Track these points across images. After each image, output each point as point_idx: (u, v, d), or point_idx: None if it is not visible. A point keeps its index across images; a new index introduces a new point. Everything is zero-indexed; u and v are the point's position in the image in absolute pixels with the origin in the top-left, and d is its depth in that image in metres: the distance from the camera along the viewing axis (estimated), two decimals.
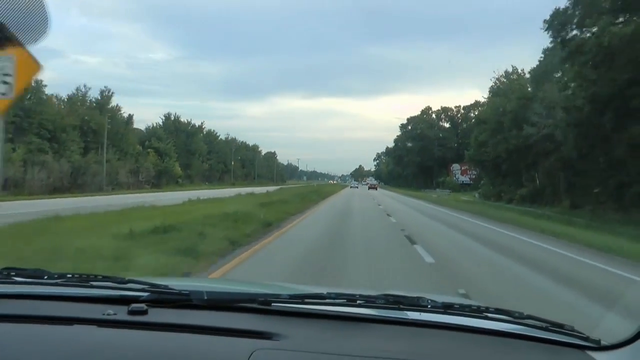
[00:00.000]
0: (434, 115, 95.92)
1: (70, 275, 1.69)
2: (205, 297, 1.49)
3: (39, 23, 1.35)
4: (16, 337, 1.32)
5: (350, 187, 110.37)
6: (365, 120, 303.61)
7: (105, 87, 55.19)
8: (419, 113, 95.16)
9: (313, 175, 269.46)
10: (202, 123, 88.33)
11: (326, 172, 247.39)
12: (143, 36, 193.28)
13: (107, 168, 53.09)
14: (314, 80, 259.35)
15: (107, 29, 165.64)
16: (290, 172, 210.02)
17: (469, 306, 1.59)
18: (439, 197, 55.50)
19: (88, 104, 57.03)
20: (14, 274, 1.66)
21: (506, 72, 39.05)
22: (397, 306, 1.53)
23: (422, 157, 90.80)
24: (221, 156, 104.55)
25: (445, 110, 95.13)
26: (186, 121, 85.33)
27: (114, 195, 39.88)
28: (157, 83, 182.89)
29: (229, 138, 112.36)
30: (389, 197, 56.09)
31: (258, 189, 47.48)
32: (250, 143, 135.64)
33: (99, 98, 57.69)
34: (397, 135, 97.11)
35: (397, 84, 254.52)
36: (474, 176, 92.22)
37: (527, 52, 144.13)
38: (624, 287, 8.61)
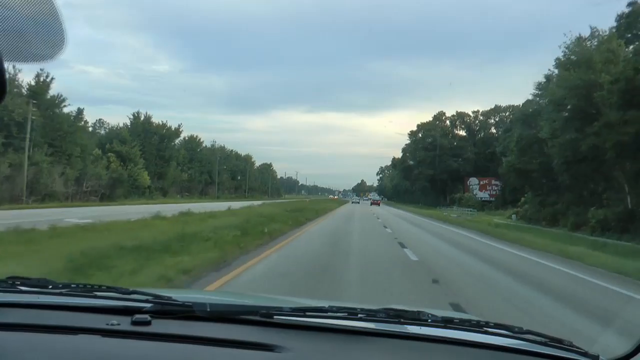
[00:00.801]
0: (447, 122, 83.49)
1: (74, 285, 1.72)
2: (208, 309, 1.51)
3: (56, 39, 1.34)
4: (21, 346, 1.33)
5: (352, 202, 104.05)
6: (368, 135, 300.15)
7: (41, 69, 42.46)
8: (431, 119, 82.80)
9: (314, 189, 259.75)
10: (179, 125, 75.72)
11: (327, 187, 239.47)
12: (148, 48, 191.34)
13: (33, 173, 40.78)
14: (317, 95, 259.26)
15: (112, 40, 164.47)
16: (290, 186, 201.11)
17: (469, 321, 1.61)
18: (462, 219, 42.81)
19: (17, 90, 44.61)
20: (19, 283, 1.68)
21: (580, 37, 26.38)
22: (397, 320, 1.55)
23: (435, 169, 78.18)
24: (206, 166, 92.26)
25: (460, 116, 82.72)
26: (160, 122, 73.07)
27: (18, 211, 27.66)
28: (160, 95, 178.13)
29: (215, 145, 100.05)
30: (397, 217, 43.76)
31: (240, 204, 39.76)
32: (253, 157, 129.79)
33: (33, 84, 45.33)
34: (406, 144, 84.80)
35: (399, 99, 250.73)
36: (495, 192, 79.55)
37: (531, 69, 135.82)
38: None
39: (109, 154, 60.69)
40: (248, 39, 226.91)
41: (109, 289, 1.73)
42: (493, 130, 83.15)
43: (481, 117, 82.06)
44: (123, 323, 1.42)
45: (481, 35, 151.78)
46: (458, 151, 79.17)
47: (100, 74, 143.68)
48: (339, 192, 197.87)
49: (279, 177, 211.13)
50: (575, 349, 1.51)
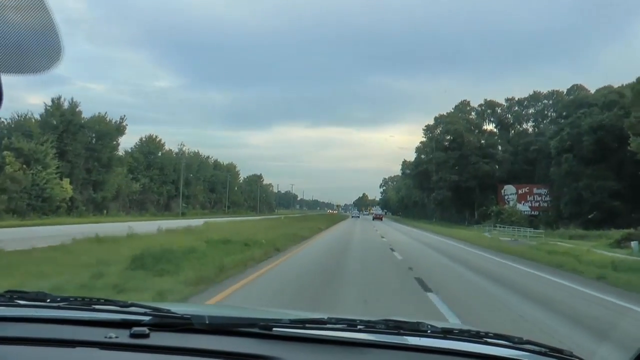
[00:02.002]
0: (473, 114, 65.05)
1: (72, 299, 1.72)
2: (207, 321, 1.50)
3: (52, 50, 1.35)
4: (19, 359, 1.34)
5: (352, 216, 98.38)
6: (369, 149, 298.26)
7: None
8: (452, 109, 64.19)
9: (314, 204, 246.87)
10: (122, 119, 57.25)
11: (328, 201, 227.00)
12: (148, 63, 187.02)
13: None
14: (318, 109, 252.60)
15: (113, 56, 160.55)
16: (288, 200, 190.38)
17: (468, 331, 1.60)
18: (546, 250, 24.33)
19: None
20: (16, 297, 1.68)
21: None
22: (397, 331, 1.54)
23: (461, 174, 59.64)
24: (169, 174, 73.95)
25: (490, 105, 64.29)
26: (97, 114, 54.73)
27: None
28: (161, 111, 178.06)
29: (183, 149, 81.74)
30: (429, 248, 25.09)
31: (196, 223, 29.49)
32: (257, 172, 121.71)
33: None
34: (421, 142, 65.93)
35: (400, 113, 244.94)
36: (540, 204, 60.74)
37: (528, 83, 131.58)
38: None
39: (5, 152, 42.56)
40: (248, 54, 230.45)
41: (107, 302, 1.73)
42: (529, 126, 64.77)
43: (517, 108, 63.60)
44: (121, 336, 1.41)
45: (482, 50, 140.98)
46: (488, 150, 60.58)
47: (102, 90, 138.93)
48: (338, 206, 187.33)
49: (275, 191, 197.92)
50: (576, 358, 1.52)
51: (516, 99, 62.83)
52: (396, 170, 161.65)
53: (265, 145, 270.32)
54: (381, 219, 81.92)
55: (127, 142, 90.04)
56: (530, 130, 64.91)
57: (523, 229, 43.66)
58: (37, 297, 1.71)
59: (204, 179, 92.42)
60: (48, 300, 1.69)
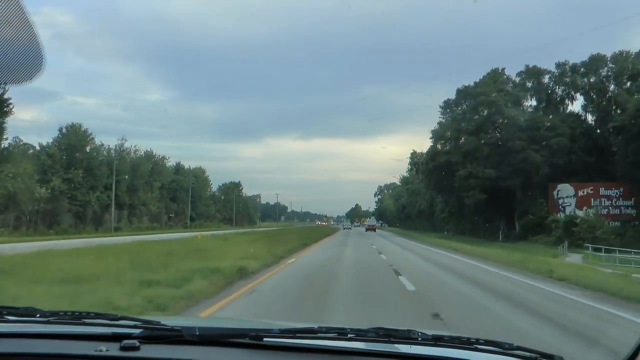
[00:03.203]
0: (510, 86, 47.03)
1: (62, 313, 1.71)
2: (197, 333, 1.49)
3: (34, 61, 1.37)
4: None
5: (344, 228, 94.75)
6: (362, 161, 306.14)
7: None
8: (481, 78, 46.05)
9: (305, 215, 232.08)
10: (3, 89, 38.56)
11: (320, 213, 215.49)
12: (138, 77, 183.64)
13: None
14: (308, 121, 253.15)
15: (103, 70, 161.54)
16: (279, 212, 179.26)
17: (459, 338, 1.59)
18: None
19: None
20: (5, 312, 1.67)
21: None
22: (387, 339, 1.53)
23: (499, 167, 41.47)
24: (100, 179, 55.37)
25: (533, 74, 46.38)
26: None
27: None
28: (152, 125, 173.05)
29: (124, 145, 63.06)
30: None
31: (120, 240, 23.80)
32: (247, 186, 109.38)
33: None
34: (438, 124, 47.26)
35: (393, 124, 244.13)
36: (624, 209, 42.93)
37: None
38: None
39: None
40: (239, 66, 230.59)
41: (97, 315, 1.72)
42: (582, 100, 47.00)
43: (571, 74, 45.72)
44: (112, 349, 1.40)
45: (475, 60, 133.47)
46: (539, 134, 42.62)
47: (92, 104, 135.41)
48: (326, 217, 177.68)
49: (263, 202, 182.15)
50: None
51: (570, 63, 44.93)
52: (390, 181, 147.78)
53: (257, 158, 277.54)
54: (374, 230, 76.80)
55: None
56: (582, 108, 47.14)
57: (635, 251, 25.54)
58: (27, 313, 1.69)
59: (161, 185, 73.98)
60: (38, 316, 1.68)
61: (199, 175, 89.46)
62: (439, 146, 48.49)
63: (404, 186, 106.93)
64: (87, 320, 1.66)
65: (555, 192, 44.80)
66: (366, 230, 76.13)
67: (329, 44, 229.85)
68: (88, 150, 55.54)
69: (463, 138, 43.14)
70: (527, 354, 1.51)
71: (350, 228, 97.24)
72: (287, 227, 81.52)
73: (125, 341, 1.41)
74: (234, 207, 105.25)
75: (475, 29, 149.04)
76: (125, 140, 63.51)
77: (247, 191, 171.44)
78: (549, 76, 45.27)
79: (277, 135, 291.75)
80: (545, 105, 46.60)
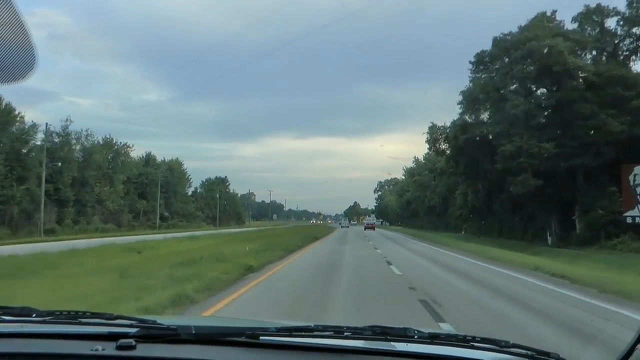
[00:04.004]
0: (564, 28, 34.66)
1: (58, 313, 1.71)
2: (194, 332, 1.49)
3: (26, 59, 1.37)
4: None
5: (341, 226, 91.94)
6: (360, 160, 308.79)
7: None
8: (529, 22, 33.67)
9: (303, 214, 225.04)
10: None
11: (318, 211, 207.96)
12: (136, 77, 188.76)
13: None
14: (307, 120, 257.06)
15: (100, 70, 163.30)
16: (276, 210, 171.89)
17: (455, 336, 1.61)
18: None
19: None
20: (1, 312, 1.67)
21: None
22: (384, 337, 1.53)
23: (560, 140, 29.18)
24: (34, 169, 43.13)
25: (589, 18, 34.19)
26: None
27: None
28: (150, 125, 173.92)
29: (65, 127, 50.47)
30: None
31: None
32: (244, 185, 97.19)
33: None
34: (470, 83, 34.66)
35: (391, 123, 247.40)
36: None
37: None
38: None
39: None
40: (237, 65, 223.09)
41: (94, 315, 1.72)
42: None
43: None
44: (108, 348, 1.39)
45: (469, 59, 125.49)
46: (609, 93, 30.50)
47: (89, 105, 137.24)
48: (320, 214, 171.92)
49: (259, 201, 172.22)
50: None
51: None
52: (386, 177, 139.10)
53: (255, 157, 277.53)
54: (373, 229, 72.91)
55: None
56: None
57: None
58: (23, 313, 1.69)
59: (127, 178, 61.76)
60: (34, 315, 1.67)
61: (175, 168, 77.23)
62: (468, 117, 36.12)
63: (409, 179, 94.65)
64: (83, 320, 1.65)
65: (631, 178, 32.66)
66: (365, 229, 71.45)
67: (325, 42, 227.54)
68: (14, 131, 43.22)
69: (507, 102, 30.84)
70: (523, 351, 1.50)
71: (348, 226, 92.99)
72: (275, 228, 69.63)
73: (122, 340, 1.40)
74: (217, 204, 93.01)
75: None
76: (72, 121, 50.77)
77: (244, 190, 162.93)
78: (617, 19, 32.97)
79: (275, 134, 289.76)
80: (608, 59, 34.38)
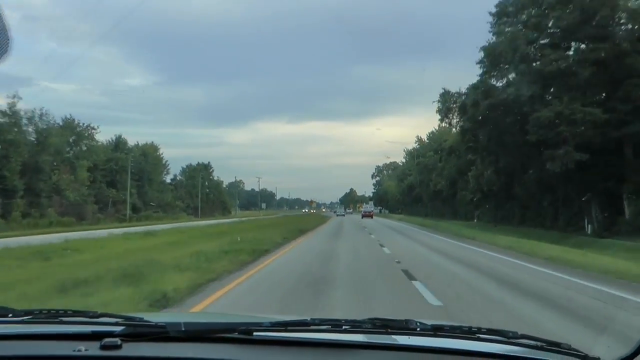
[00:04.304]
0: None
1: (37, 312, 1.64)
2: (183, 329, 1.42)
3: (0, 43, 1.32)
4: None
5: (337, 215, 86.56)
6: (355, 144, 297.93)
7: None
8: None
9: (296, 202, 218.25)
10: None
11: (312, 199, 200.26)
12: (118, 61, 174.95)
13: None
14: (299, 104, 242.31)
15: (79, 54, 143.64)
16: (267, 199, 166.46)
17: (460, 327, 1.53)
18: None
19: None
20: None
21: None
22: (384, 330, 1.46)
23: (610, 104, 22.56)
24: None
25: None
26: None
27: None
28: (134, 110, 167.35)
29: (12, 105, 43.16)
30: None
31: None
32: (233, 172, 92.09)
33: None
34: (492, 36, 27.52)
35: (388, 105, 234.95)
36: None
37: None
38: None
39: None
40: (225, 48, 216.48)
41: (76, 313, 1.64)
42: None
43: None
44: (91, 348, 1.32)
45: (471, 37, 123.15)
46: None
47: (68, 90, 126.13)
48: (312, 202, 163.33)
49: (248, 189, 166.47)
50: (574, 352, 1.43)
51: None
52: (384, 162, 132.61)
53: (245, 143, 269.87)
54: (371, 217, 68.91)
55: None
56: None
57: None
58: None
59: (93, 165, 54.78)
60: (10, 315, 1.59)
61: (149, 153, 70.21)
62: (492, 78, 29.40)
63: (411, 161, 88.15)
64: (64, 319, 1.57)
65: None
66: (362, 217, 66.93)
67: (323, 23, 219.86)
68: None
69: (539, 59, 24.18)
70: (533, 342, 1.43)
71: (344, 215, 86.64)
72: (260, 218, 63.30)
73: (106, 340, 1.33)
74: (199, 193, 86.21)
75: None
76: (20, 98, 43.60)
77: (233, 178, 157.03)
78: None
79: (267, 119, 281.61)
80: None
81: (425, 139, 74.09)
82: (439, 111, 34.24)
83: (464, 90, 30.23)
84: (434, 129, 70.34)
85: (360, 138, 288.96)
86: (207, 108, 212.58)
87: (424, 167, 71.22)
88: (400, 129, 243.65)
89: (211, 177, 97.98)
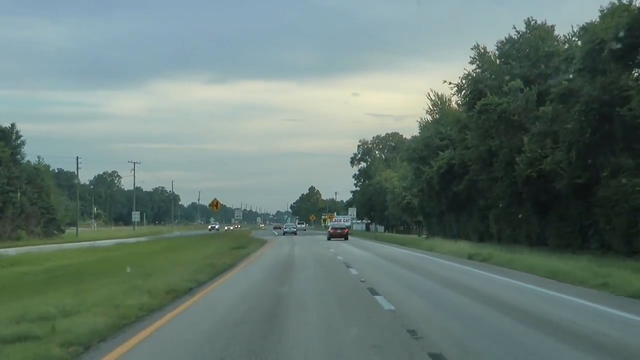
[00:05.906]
0: None
1: None
2: None
3: None
4: None
5: (284, 232, 63.14)
6: (318, 118, 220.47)
7: None
8: None
9: (226, 211, 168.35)
10: None
11: (250, 209, 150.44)
12: None
13: None
14: (228, 53, 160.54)
15: None
16: (162, 205, 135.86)
17: None
18: None
19: None
20: None
21: None
22: None
23: None
24: None
25: None
26: None
27: None
28: None
29: None
30: None
31: None
32: (106, 161, 47.37)
33: None
34: None
35: (366, 55, 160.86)
36: None
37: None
38: None
39: None
40: None
41: None
42: None
43: None
44: None
45: None
46: None
47: None
48: (271, 215, 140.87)
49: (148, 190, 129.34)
50: None
51: None
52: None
53: (139, 115, 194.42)
54: (346, 238, 45.01)
55: None
56: None
57: None
58: None
59: None
60: None
61: None
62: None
63: (437, 128, 41.40)
64: None
65: None
66: (329, 239, 44.16)
67: None
68: None
69: None
70: None
71: (295, 233, 62.68)
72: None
73: None
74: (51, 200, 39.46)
75: None
76: None
77: (99, 169, 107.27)
78: None
79: (173, 76, 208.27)
80: None
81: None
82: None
83: None
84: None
85: (326, 108, 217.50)
86: (74, 57, 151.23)
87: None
88: (390, 95, 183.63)
89: (19, 157, 46.89)
